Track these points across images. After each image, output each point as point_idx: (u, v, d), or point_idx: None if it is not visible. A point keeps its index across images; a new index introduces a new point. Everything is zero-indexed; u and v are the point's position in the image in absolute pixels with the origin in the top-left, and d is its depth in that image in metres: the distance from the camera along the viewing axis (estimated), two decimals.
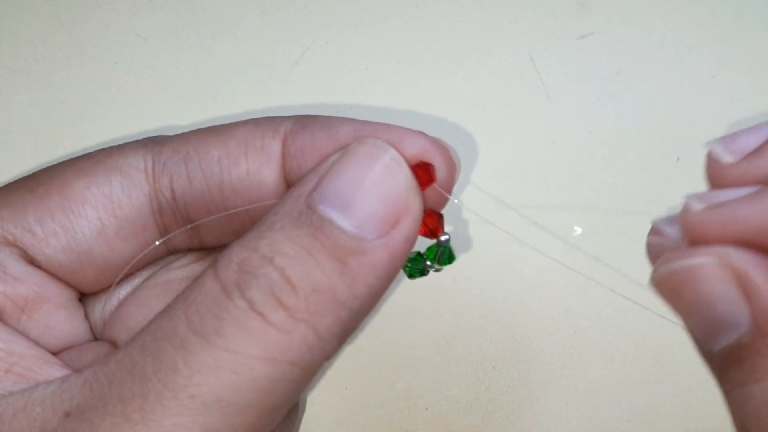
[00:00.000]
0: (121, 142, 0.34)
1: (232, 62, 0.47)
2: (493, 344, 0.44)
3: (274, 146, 0.32)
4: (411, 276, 0.33)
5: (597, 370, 0.44)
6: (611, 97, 0.46)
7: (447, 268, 0.33)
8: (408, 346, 0.44)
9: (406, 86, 0.46)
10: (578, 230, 0.44)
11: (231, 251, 0.28)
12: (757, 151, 0.26)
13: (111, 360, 0.27)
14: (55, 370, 0.28)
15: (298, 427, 0.39)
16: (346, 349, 0.44)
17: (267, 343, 0.26)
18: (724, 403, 0.25)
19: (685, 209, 0.26)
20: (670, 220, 0.28)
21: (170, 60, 0.47)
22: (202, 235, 0.35)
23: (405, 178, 0.29)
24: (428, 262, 0.33)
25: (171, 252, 0.36)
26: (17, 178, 0.33)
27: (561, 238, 0.43)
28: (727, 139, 0.27)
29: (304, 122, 0.32)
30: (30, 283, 0.32)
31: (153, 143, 0.34)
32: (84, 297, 0.35)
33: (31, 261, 0.32)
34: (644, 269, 0.30)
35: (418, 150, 0.30)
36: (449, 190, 0.31)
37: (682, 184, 0.42)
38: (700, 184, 0.28)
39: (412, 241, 0.29)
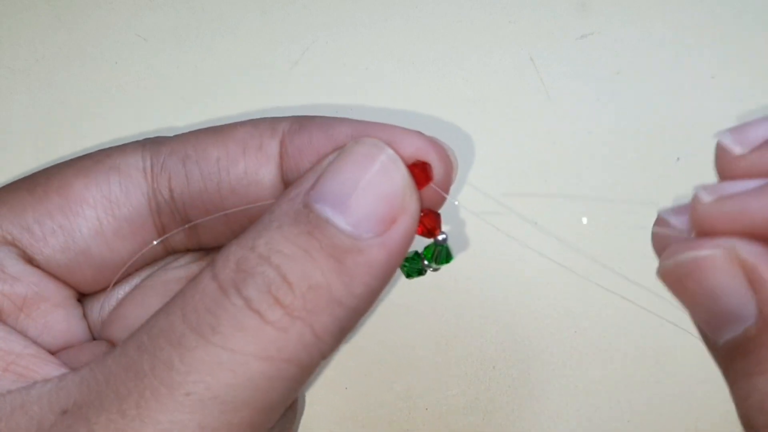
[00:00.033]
0: (121, 142, 0.34)
1: (232, 62, 0.47)
2: (493, 344, 0.44)
3: (272, 146, 0.32)
4: (409, 276, 0.33)
5: (597, 370, 0.44)
6: (611, 97, 0.46)
7: (446, 268, 0.33)
8: (408, 346, 0.44)
9: (406, 86, 0.46)
10: (585, 220, 0.44)
11: (228, 250, 0.28)
12: (766, 143, 0.26)
13: (108, 358, 0.27)
14: (52, 369, 0.28)
15: (298, 427, 0.39)
16: (346, 349, 0.44)
17: (264, 340, 0.26)
18: (723, 404, 0.25)
19: (695, 200, 0.26)
20: (676, 210, 0.28)
21: (170, 60, 0.47)
22: (200, 235, 0.35)
23: (402, 177, 0.29)
24: (426, 262, 0.33)
25: (170, 252, 0.36)
26: (17, 178, 0.34)
27: (561, 239, 0.43)
28: (737, 130, 0.27)
29: (301, 122, 0.32)
30: (28, 282, 0.32)
31: (152, 143, 0.34)
32: (83, 297, 0.35)
33: (30, 260, 0.32)
34: (644, 269, 0.30)
35: (415, 149, 0.30)
36: (447, 190, 0.31)
37: (682, 184, 0.42)
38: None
39: (409, 241, 0.29)
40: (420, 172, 0.30)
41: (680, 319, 0.31)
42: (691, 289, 0.25)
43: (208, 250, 0.36)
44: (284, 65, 0.47)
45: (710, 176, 0.27)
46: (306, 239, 0.27)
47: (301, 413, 0.43)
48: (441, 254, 0.33)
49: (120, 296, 0.35)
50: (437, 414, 0.44)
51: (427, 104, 0.46)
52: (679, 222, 0.27)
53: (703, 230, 0.25)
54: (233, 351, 0.26)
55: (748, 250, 0.24)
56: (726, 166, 0.27)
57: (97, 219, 0.32)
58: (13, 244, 0.32)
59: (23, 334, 0.31)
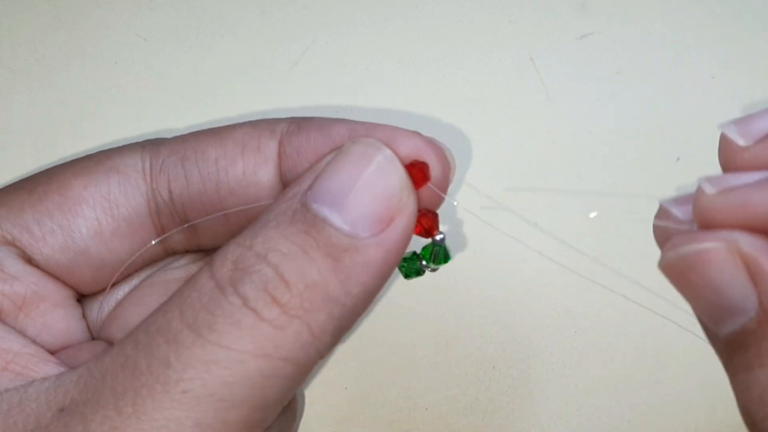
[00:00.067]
0: (121, 142, 0.34)
1: (232, 62, 0.47)
2: (493, 344, 0.44)
3: (271, 147, 0.32)
4: (407, 276, 0.33)
5: (597, 370, 0.44)
6: (611, 97, 0.46)
7: (446, 268, 0.33)
8: (408, 346, 0.44)
9: (406, 86, 0.46)
10: (593, 215, 0.44)
11: (226, 249, 0.28)
12: None
13: (105, 356, 0.27)
14: (51, 368, 0.28)
15: (298, 427, 0.39)
16: (346, 349, 0.44)
17: (260, 339, 0.26)
18: (723, 404, 0.25)
19: (698, 192, 0.25)
20: (679, 200, 0.28)
21: (170, 60, 0.47)
22: (199, 236, 0.35)
23: (399, 177, 0.29)
24: (424, 262, 0.33)
25: (169, 253, 0.36)
26: (17, 178, 0.34)
27: (561, 239, 0.43)
28: (741, 122, 0.27)
29: (300, 123, 0.32)
30: (27, 281, 0.32)
31: (151, 145, 0.34)
32: (82, 297, 0.35)
33: (29, 260, 0.32)
34: (644, 269, 0.30)
35: (412, 149, 0.30)
36: (444, 190, 0.31)
37: (682, 184, 0.42)
38: None
39: (407, 240, 0.29)
40: (417, 172, 0.30)
41: (680, 319, 0.31)
42: (693, 282, 0.25)
43: (207, 251, 0.36)
44: (284, 65, 0.47)
45: None
46: (303, 238, 0.27)
47: (301, 414, 0.43)
48: (439, 254, 0.33)
49: (119, 297, 0.35)
50: (437, 414, 0.44)
51: (427, 104, 0.46)
52: (682, 213, 0.27)
53: (706, 222, 0.25)
54: (230, 348, 0.26)
55: (750, 243, 0.24)
56: (730, 157, 0.27)
57: (96, 219, 0.32)
58: (12, 244, 0.32)
59: (22, 333, 0.31)
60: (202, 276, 0.28)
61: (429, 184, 0.30)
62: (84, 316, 0.34)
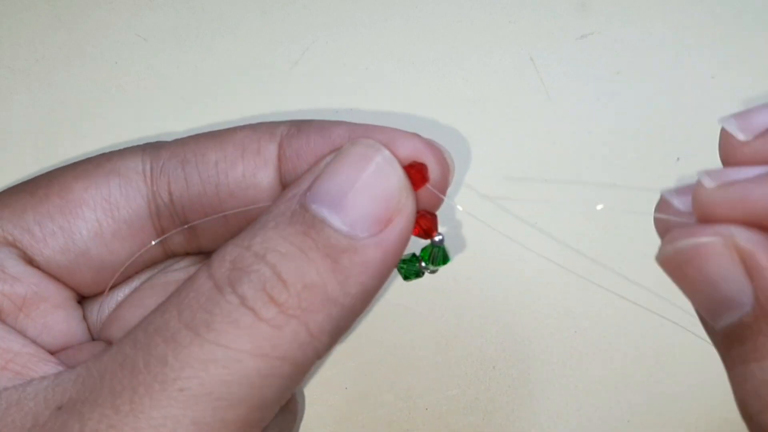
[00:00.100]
0: (121, 142, 0.35)
1: (232, 62, 0.47)
2: (493, 344, 0.44)
3: (271, 149, 0.32)
4: (406, 278, 0.33)
5: (597, 370, 0.44)
6: (611, 97, 0.46)
7: (446, 269, 0.33)
8: (408, 346, 0.44)
9: (406, 86, 0.46)
10: (600, 206, 0.44)
11: (224, 249, 0.28)
12: None
13: (104, 355, 0.27)
14: (50, 368, 0.29)
15: (298, 427, 0.39)
16: (346, 349, 0.44)
17: (258, 338, 0.26)
18: (723, 403, 0.25)
19: (698, 185, 0.26)
20: (679, 191, 0.28)
21: (170, 60, 0.47)
22: (199, 238, 0.35)
23: (397, 178, 0.29)
24: (423, 263, 0.33)
25: (169, 256, 0.36)
26: (17, 178, 0.34)
27: (561, 240, 0.43)
28: (742, 116, 0.27)
29: (299, 126, 0.32)
30: (28, 282, 0.32)
31: (152, 147, 0.34)
32: (83, 299, 0.35)
33: (30, 261, 0.32)
34: (643, 269, 0.30)
35: (411, 151, 0.30)
36: (443, 191, 0.31)
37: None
38: None
39: (405, 241, 0.29)
40: (416, 173, 0.30)
41: (680, 319, 0.31)
42: (690, 276, 0.25)
43: (207, 253, 0.36)
44: (284, 65, 0.47)
45: None
46: (302, 239, 0.27)
47: (302, 415, 0.43)
48: (438, 255, 0.33)
49: (120, 298, 0.35)
50: (437, 414, 0.44)
51: (427, 104, 0.46)
52: (682, 203, 0.27)
53: (705, 216, 0.26)
54: (227, 348, 0.26)
55: (746, 238, 0.24)
56: (730, 152, 0.27)
57: (96, 221, 0.33)
58: (13, 245, 0.32)
59: (22, 333, 0.31)
60: (201, 276, 0.28)
61: (428, 185, 0.30)
62: (84, 317, 0.35)
